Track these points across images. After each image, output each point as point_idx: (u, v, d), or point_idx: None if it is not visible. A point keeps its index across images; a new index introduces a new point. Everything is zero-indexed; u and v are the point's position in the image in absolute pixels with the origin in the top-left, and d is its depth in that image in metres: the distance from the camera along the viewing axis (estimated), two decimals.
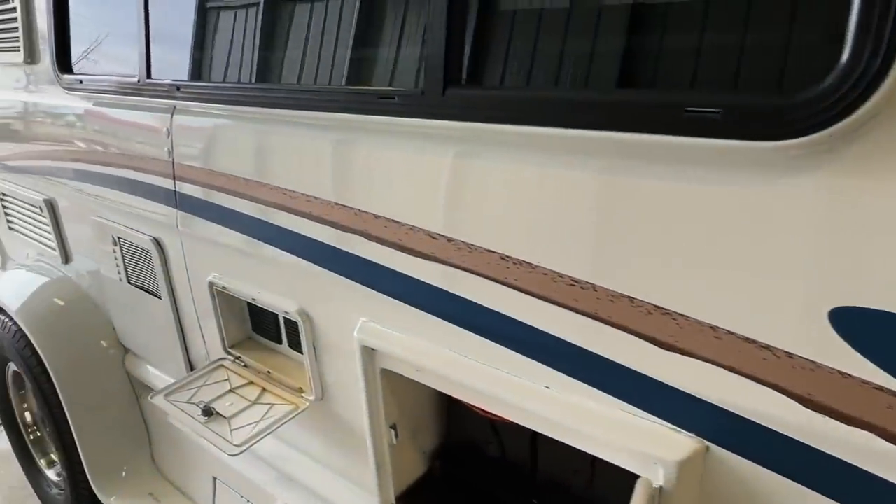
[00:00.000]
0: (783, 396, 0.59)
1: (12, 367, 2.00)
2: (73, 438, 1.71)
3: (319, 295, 1.07)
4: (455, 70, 0.77)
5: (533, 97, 0.71)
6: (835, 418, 0.57)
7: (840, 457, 0.58)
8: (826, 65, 0.51)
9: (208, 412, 1.15)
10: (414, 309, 0.91)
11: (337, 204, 0.96)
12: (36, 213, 1.89)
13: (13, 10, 1.71)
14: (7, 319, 1.86)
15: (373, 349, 0.96)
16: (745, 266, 0.59)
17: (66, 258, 1.86)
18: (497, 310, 0.80)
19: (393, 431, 1.02)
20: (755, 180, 0.57)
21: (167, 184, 1.30)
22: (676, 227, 0.63)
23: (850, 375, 0.55)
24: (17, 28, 1.71)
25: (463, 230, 0.81)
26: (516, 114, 0.71)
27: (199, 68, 1.20)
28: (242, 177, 1.11)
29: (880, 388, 0.54)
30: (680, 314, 0.64)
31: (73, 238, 1.82)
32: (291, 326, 1.18)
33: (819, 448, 0.59)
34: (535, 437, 0.91)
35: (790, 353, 0.58)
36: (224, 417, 1.15)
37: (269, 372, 1.24)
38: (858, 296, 0.54)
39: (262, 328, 1.32)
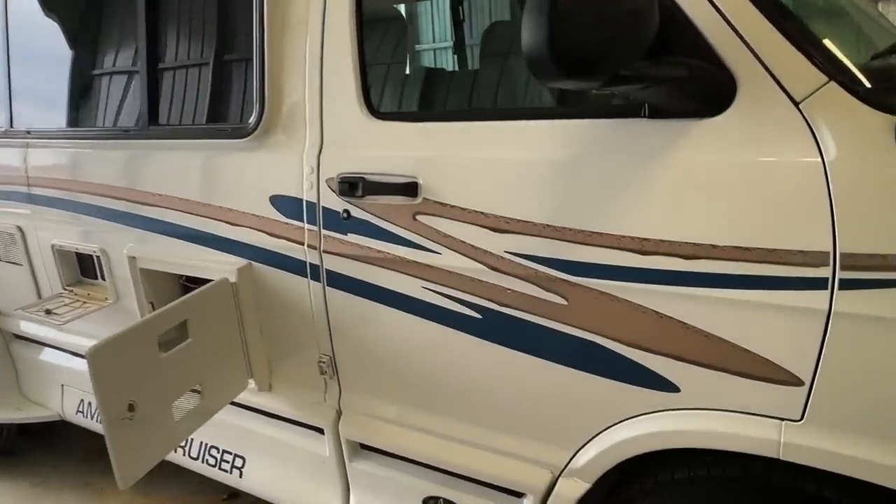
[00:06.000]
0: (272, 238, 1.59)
1: None
2: None
3: (109, 238, 1.98)
4: (153, 117, 1.75)
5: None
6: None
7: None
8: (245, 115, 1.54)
9: (48, 312, 2.02)
10: (152, 233, 1.85)
11: (113, 186, 1.90)
12: None
13: None
14: None
15: (134, 257, 1.88)
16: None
17: None
18: (189, 225, 1.76)
19: (151, 305, 1.94)
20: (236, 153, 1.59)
21: (24, 189, 2.18)
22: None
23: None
24: None
25: (172, 189, 1.77)
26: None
27: (42, 122, 2.12)
28: (65, 178, 2.03)
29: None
30: (228, 208, 1.63)
31: None
32: (100, 264, 2.08)
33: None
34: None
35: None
36: (58, 314, 2.02)
37: (88, 293, 2.13)
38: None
39: (86, 273, 2.20)
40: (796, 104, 0.98)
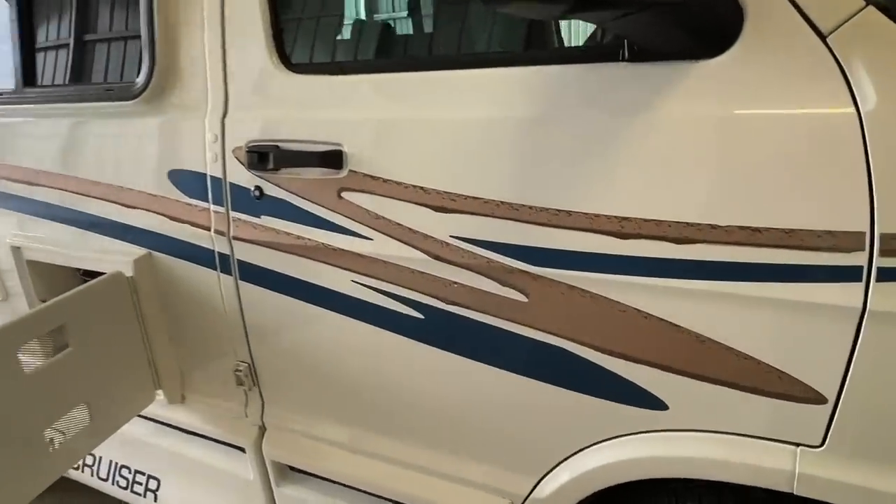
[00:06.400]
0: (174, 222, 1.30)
1: None
2: None
3: None
4: (29, 78, 1.44)
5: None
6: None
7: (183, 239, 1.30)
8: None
9: None
10: (38, 218, 1.54)
11: None
12: None
13: None
14: None
15: (19, 247, 1.58)
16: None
17: None
18: (78, 208, 1.46)
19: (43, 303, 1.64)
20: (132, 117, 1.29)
21: None
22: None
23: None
24: None
25: (55, 165, 1.47)
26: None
27: None
28: None
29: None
30: (120, 186, 1.34)
31: None
32: None
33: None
34: None
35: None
36: None
37: None
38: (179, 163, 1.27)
39: None
40: (823, 37, 0.74)
